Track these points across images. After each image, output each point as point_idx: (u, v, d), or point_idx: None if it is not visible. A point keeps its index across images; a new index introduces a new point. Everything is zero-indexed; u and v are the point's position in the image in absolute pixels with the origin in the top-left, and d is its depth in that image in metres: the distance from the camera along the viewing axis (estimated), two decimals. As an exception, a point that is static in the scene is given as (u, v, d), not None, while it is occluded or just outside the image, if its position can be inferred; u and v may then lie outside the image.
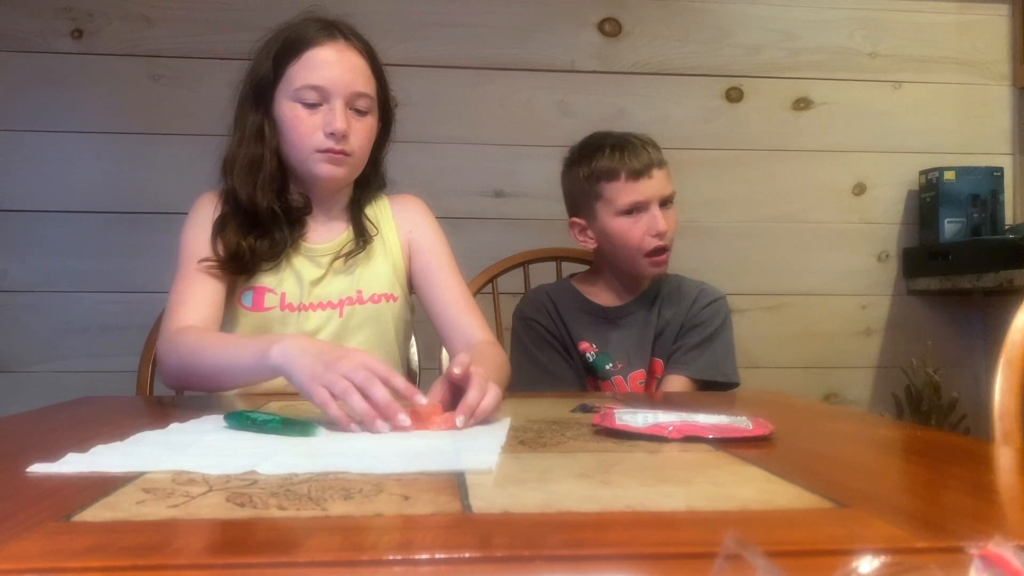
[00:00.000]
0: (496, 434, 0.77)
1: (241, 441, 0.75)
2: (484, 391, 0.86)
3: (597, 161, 1.48)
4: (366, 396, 0.81)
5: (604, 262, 1.55)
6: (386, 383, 0.83)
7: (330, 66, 1.18)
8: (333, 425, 0.83)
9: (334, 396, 0.82)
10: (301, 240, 1.26)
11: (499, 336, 1.59)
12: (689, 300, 1.52)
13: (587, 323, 1.53)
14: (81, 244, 2.00)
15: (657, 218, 1.44)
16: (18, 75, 1.99)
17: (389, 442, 0.76)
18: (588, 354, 1.51)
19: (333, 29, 1.21)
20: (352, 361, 0.85)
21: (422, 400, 0.84)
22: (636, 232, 1.45)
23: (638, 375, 1.50)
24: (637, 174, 1.44)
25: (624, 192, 1.45)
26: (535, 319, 1.52)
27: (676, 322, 1.51)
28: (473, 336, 1.24)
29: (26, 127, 1.99)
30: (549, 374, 1.49)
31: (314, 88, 1.18)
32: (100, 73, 2.01)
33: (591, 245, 1.53)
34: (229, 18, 1.99)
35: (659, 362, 1.51)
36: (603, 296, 1.55)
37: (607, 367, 1.50)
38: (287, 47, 1.20)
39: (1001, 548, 0.33)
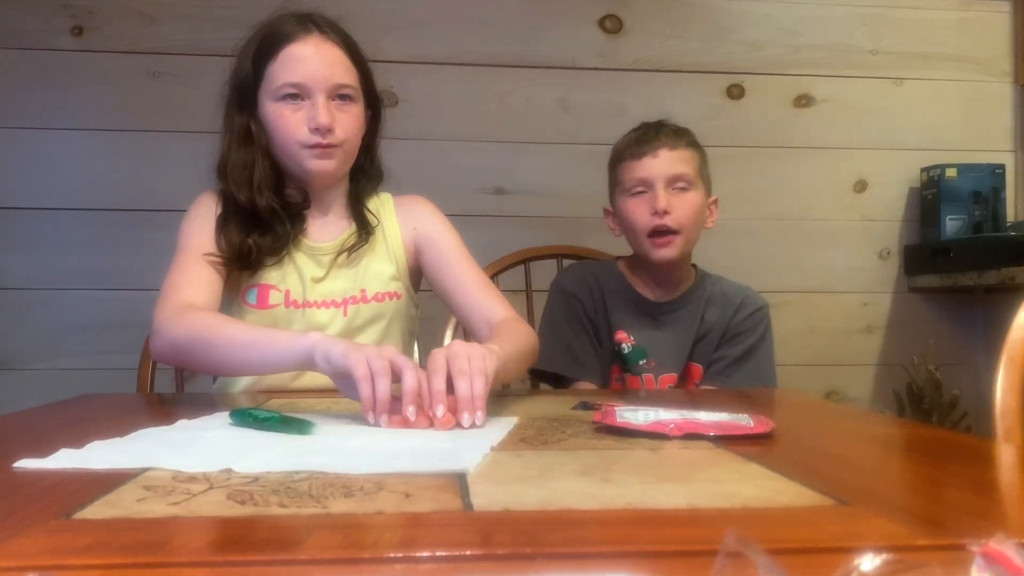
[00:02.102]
0: (492, 434, 0.77)
1: (238, 439, 0.75)
2: (468, 380, 0.84)
3: (616, 147, 1.50)
4: (398, 378, 0.83)
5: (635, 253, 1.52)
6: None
7: (307, 61, 1.17)
8: (330, 424, 0.83)
9: (371, 371, 0.83)
10: (303, 238, 1.26)
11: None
12: (733, 306, 1.48)
13: (628, 312, 1.48)
14: (81, 241, 2.00)
15: (657, 196, 1.40)
16: (18, 72, 1.98)
17: (382, 441, 0.75)
18: (624, 344, 1.46)
19: (308, 22, 1.20)
20: (394, 349, 0.88)
21: (440, 413, 0.82)
22: (640, 211, 1.42)
23: (669, 378, 1.46)
24: (640, 154, 1.43)
25: (628, 171, 1.45)
26: (575, 295, 1.48)
27: (719, 329, 1.47)
28: (493, 316, 1.21)
29: (26, 124, 1.99)
30: (572, 355, 1.45)
31: (294, 86, 1.17)
32: (100, 70, 2.00)
33: (617, 233, 1.51)
34: (229, 15, 1.99)
35: (697, 367, 1.47)
36: (645, 288, 1.50)
37: (640, 362, 1.46)
38: (264, 47, 1.19)
39: (1003, 546, 0.33)
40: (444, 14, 2.11)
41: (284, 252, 1.23)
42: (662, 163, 1.42)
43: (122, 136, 2.01)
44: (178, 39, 2.02)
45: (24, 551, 0.42)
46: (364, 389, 0.83)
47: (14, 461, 0.62)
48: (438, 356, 0.87)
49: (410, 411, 0.82)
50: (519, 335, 1.15)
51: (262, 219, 1.21)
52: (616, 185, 1.49)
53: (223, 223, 1.22)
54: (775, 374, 1.49)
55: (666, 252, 1.42)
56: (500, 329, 1.16)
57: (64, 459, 0.64)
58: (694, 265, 1.53)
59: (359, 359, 0.85)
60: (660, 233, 1.42)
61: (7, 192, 1.98)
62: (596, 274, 1.52)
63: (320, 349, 0.92)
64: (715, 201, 1.51)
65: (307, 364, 0.94)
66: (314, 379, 1.16)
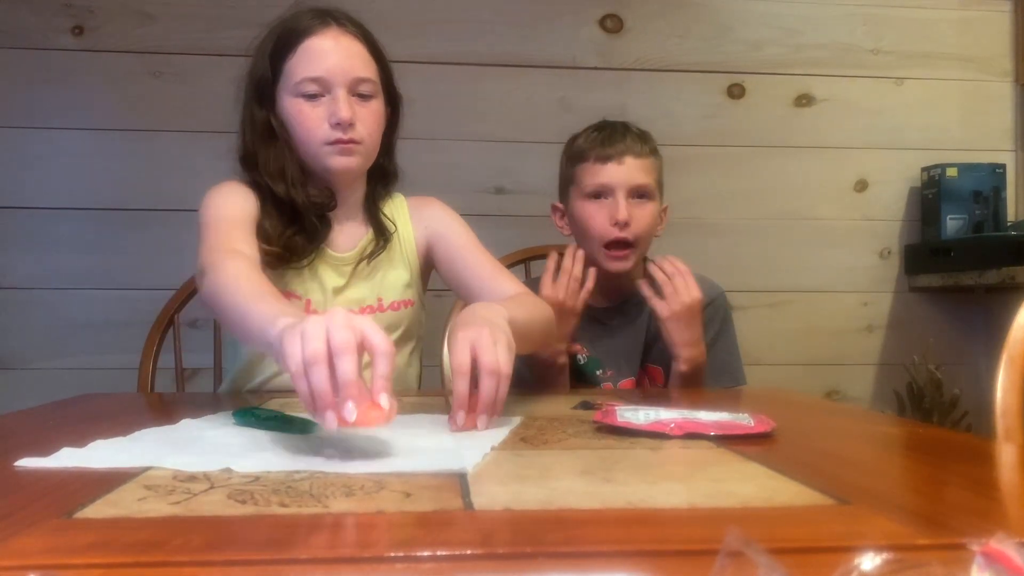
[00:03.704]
0: (493, 434, 0.76)
1: (240, 438, 0.75)
2: (497, 381, 0.81)
3: (576, 142, 1.46)
4: (334, 365, 0.67)
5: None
6: (370, 353, 0.69)
7: (327, 55, 1.16)
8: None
9: (304, 360, 0.67)
10: (324, 246, 1.23)
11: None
12: None
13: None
14: (82, 241, 1.99)
15: (619, 205, 1.36)
16: (19, 72, 1.98)
17: (383, 441, 0.75)
18: (579, 356, 1.44)
19: (326, 16, 1.18)
20: (342, 316, 0.69)
21: (383, 402, 0.67)
22: (599, 219, 1.38)
23: (628, 383, 1.44)
24: (605, 158, 1.38)
25: (590, 173, 1.40)
26: None
27: None
28: (507, 294, 1.19)
29: (27, 124, 1.99)
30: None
31: (314, 80, 1.15)
32: (101, 70, 2.00)
33: (567, 232, 1.48)
34: (230, 14, 1.99)
35: (657, 370, 1.44)
36: (591, 296, 1.45)
37: (597, 372, 1.44)
38: (282, 42, 1.18)
39: (1003, 545, 0.33)
40: (445, 13, 2.11)
41: (314, 255, 1.21)
42: (627, 172, 1.38)
43: (123, 136, 2.01)
44: (178, 39, 2.02)
45: (25, 550, 0.42)
46: (299, 386, 0.68)
47: (16, 460, 0.62)
48: (463, 350, 0.82)
49: (348, 408, 0.65)
50: (532, 308, 1.13)
51: (298, 214, 1.19)
52: (572, 183, 1.44)
53: (263, 210, 1.18)
54: (741, 367, 1.45)
55: (622, 265, 1.40)
56: (512, 298, 1.14)
57: (65, 458, 0.64)
58: (645, 258, 1.49)
59: (293, 352, 0.68)
60: (617, 245, 1.38)
61: (7, 192, 1.98)
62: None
63: (275, 349, 0.76)
64: (666, 209, 1.48)
65: None
66: None
